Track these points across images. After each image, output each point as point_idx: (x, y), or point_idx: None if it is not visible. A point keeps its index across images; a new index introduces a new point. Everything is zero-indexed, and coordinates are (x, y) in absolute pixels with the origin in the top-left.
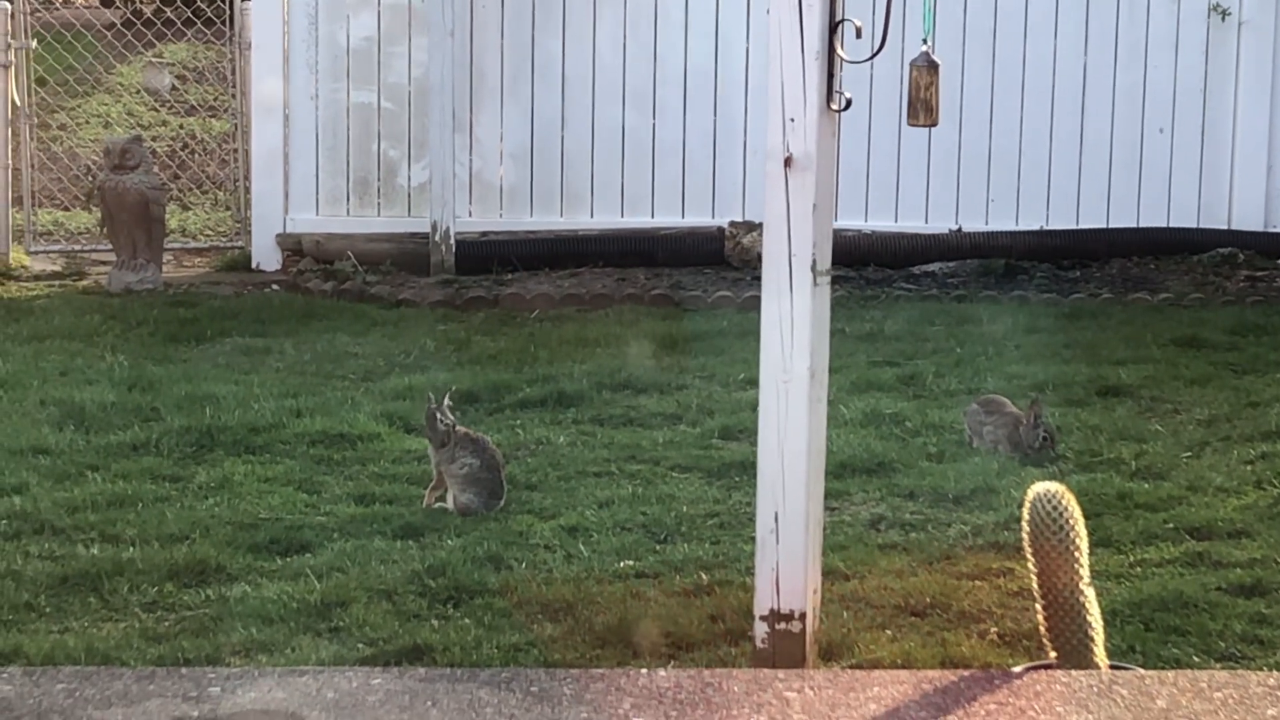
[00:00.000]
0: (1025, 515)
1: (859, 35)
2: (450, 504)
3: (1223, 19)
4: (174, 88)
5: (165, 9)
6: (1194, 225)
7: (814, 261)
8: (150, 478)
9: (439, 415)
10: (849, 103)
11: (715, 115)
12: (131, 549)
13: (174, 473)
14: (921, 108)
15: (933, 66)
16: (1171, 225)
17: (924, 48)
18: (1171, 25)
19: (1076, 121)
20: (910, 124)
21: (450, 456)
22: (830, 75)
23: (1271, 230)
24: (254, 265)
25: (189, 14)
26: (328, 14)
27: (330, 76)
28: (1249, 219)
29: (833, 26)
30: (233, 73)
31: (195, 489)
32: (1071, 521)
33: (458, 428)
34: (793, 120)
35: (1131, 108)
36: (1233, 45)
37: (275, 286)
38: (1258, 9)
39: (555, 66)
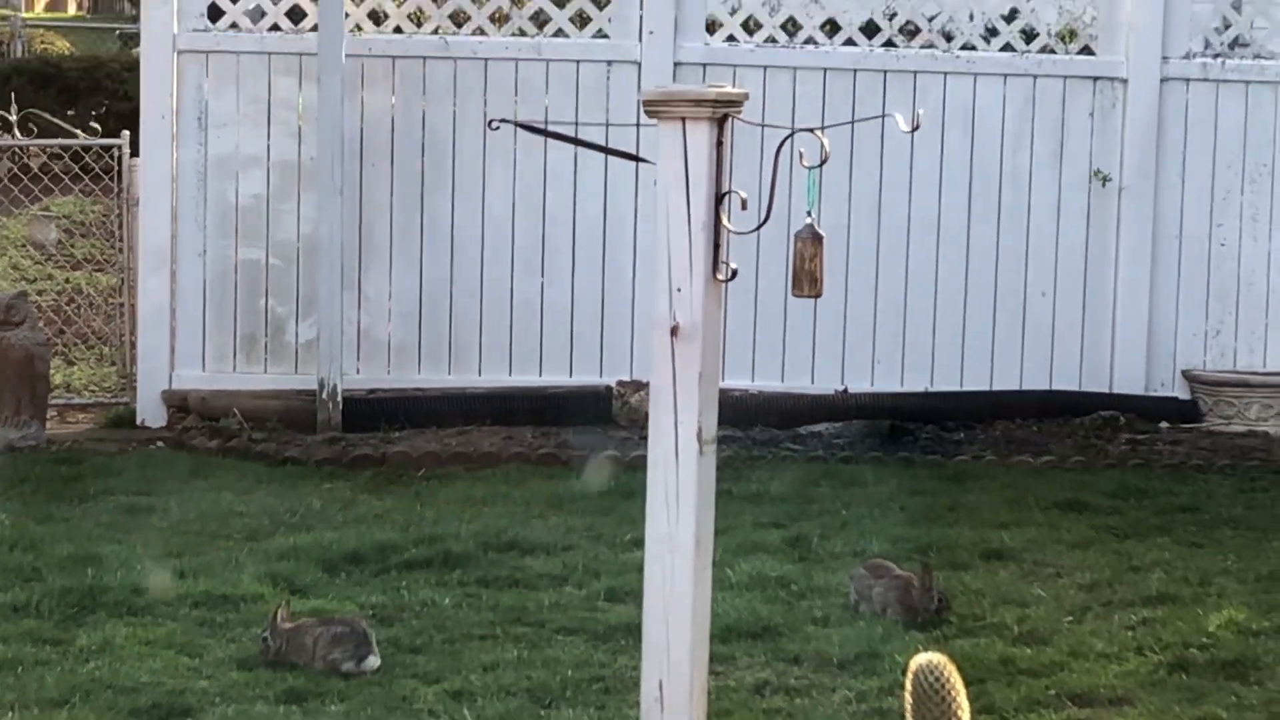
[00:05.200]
0: (908, 687)
1: (744, 207)
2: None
3: (1103, 185)
4: (60, 241)
5: (52, 164)
6: (1076, 388)
7: (700, 430)
8: (30, 640)
9: (269, 637)
10: (734, 273)
11: (604, 275)
12: (10, 714)
13: (54, 635)
14: (806, 279)
15: (816, 238)
16: (1054, 388)
17: (808, 219)
18: (1054, 190)
19: (960, 284)
20: (795, 295)
21: (299, 645)
22: (716, 246)
23: (1152, 394)
24: (139, 422)
25: (76, 169)
26: (217, 172)
27: (219, 233)
28: (1130, 382)
29: (718, 198)
30: (120, 227)
31: (76, 652)
32: (953, 694)
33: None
34: (679, 290)
35: (1015, 271)
36: (1114, 211)
37: (160, 444)
38: (1138, 176)
39: (445, 225)
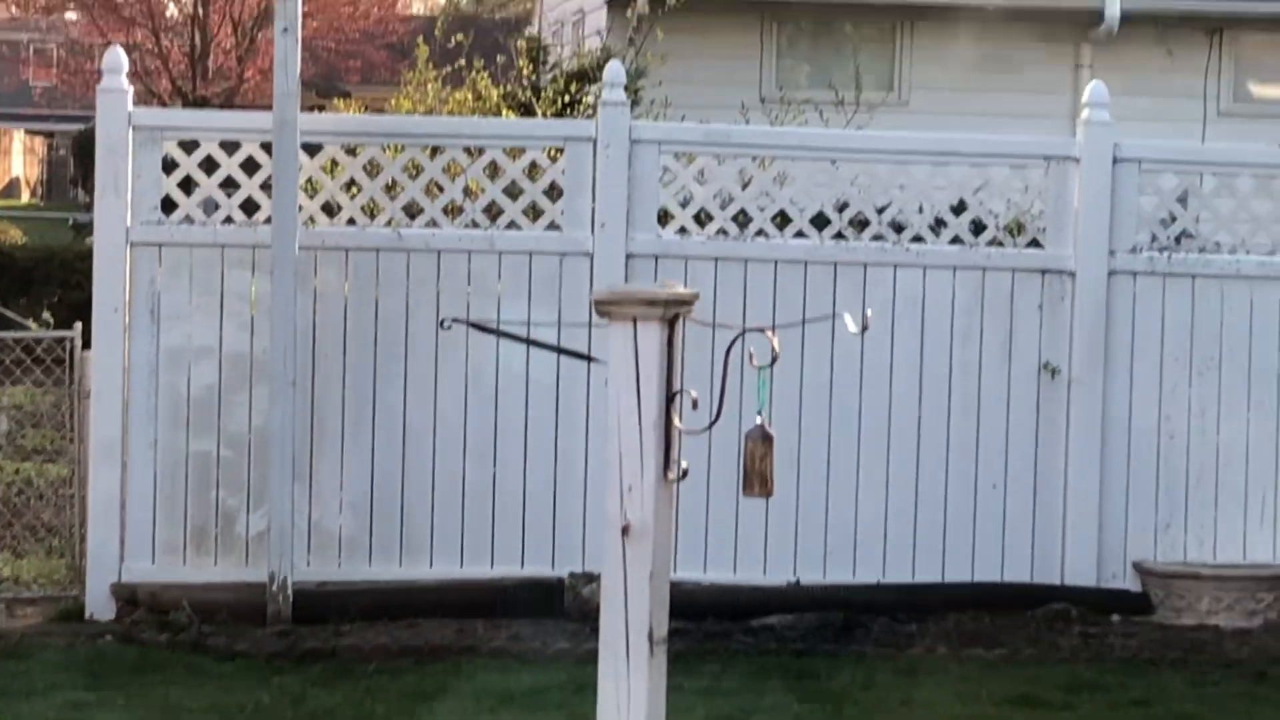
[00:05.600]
0: None
1: (695, 406)
2: None
3: (1053, 377)
4: (10, 432)
5: (3, 356)
6: (1028, 579)
7: (651, 630)
8: None
9: None
10: (685, 472)
11: (556, 464)
12: None
13: None
14: (756, 478)
15: (767, 439)
16: (1006, 579)
17: (759, 420)
18: (1004, 381)
19: (912, 475)
20: (746, 494)
21: None
22: (667, 445)
23: (1104, 586)
24: (88, 615)
25: (28, 361)
26: (169, 363)
27: (170, 424)
28: (1081, 573)
29: (669, 397)
30: (71, 417)
31: None
32: None
33: None
34: (630, 489)
35: (965, 462)
36: (1063, 402)
37: (109, 637)
38: (1087, 368)
39: (397, 416)
